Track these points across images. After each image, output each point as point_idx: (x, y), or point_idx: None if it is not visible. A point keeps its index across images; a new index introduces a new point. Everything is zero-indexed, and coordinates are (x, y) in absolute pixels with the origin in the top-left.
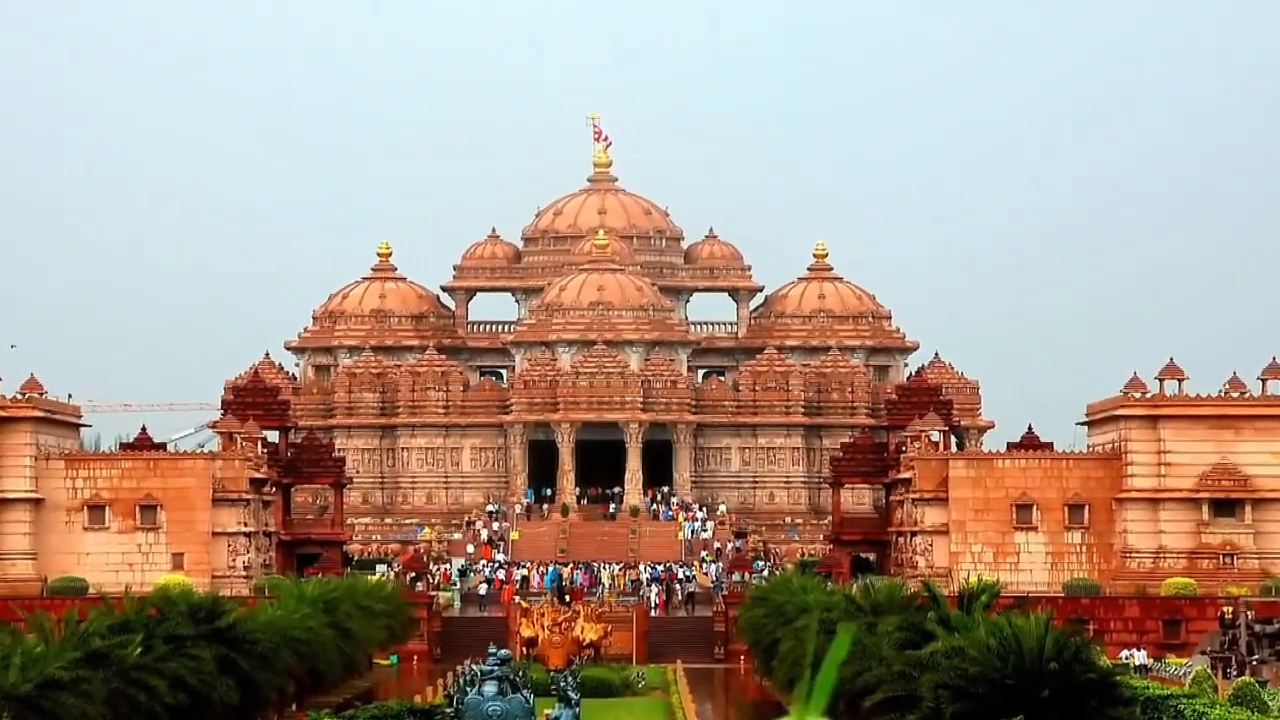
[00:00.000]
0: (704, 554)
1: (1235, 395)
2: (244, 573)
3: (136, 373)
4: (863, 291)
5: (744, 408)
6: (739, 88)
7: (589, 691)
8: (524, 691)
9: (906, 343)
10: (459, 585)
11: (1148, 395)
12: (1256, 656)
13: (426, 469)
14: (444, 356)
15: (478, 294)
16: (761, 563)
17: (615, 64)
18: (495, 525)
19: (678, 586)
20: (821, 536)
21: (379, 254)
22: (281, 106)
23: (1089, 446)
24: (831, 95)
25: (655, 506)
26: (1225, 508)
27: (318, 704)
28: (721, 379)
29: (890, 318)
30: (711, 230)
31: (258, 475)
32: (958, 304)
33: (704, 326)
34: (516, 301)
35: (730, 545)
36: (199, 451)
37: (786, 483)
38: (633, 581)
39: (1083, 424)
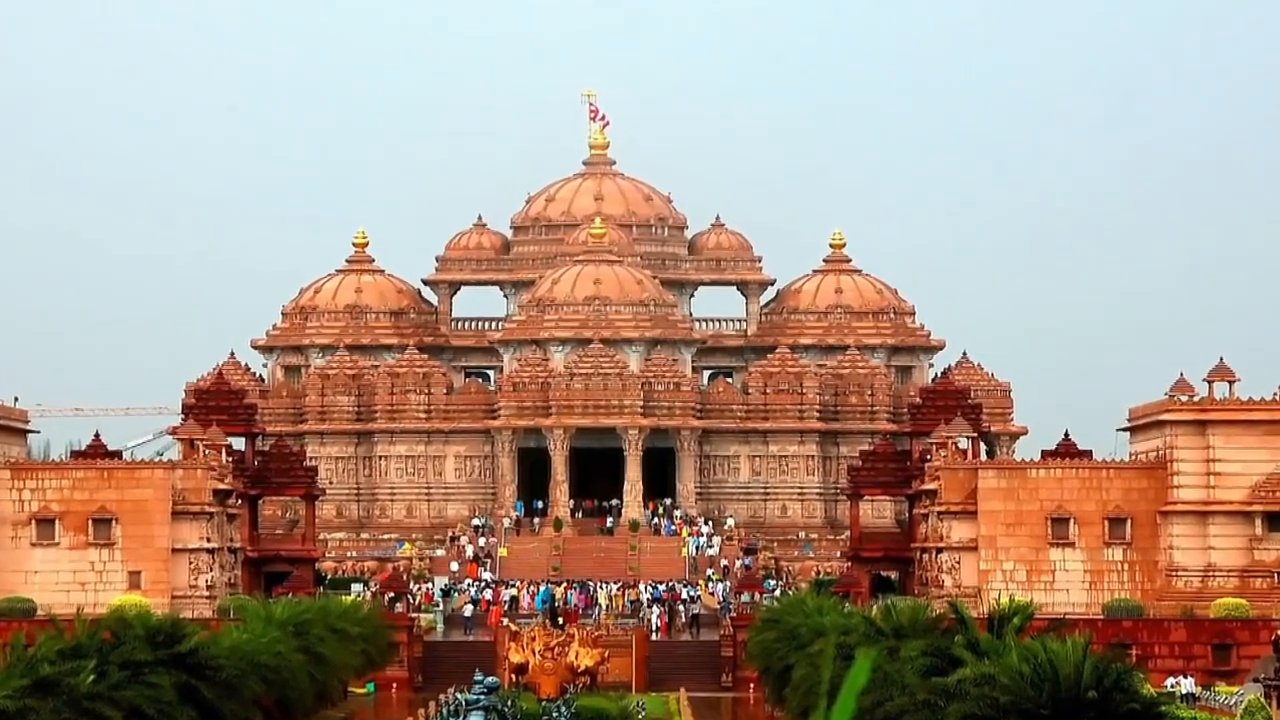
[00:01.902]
0: (710, 572)
1: None
2: (207, 593)
3: (89, 374)
4: (884, 285)
5: (754, 412)
6: (748, 61)
7: None
8: None
9: (931, 341)
10: (442, 606)
11: (1195, 399)
12: None
13: (406, 479)
14: (425, 356)
15: (462, 288)
16: (773, 582)
17: (612, 35)
18: (481, 541)
19: (681, 608)
20: (838, 553)
21: (354, 244)
22: (248, 83)
23: (1131, 455)
24: (849, 70)
25: (657, 520)
26: None
27: None
28: (729, 381)
29: (914, 314)
30: (718, 218)
31: (222, 486)
32: (987, 299)
33: (710, 323)
34: (505, 296)
35: (739, 563)
36: (157, 460)
37: (800, 494)
38: (632, 602)
39: (1124, 430)
